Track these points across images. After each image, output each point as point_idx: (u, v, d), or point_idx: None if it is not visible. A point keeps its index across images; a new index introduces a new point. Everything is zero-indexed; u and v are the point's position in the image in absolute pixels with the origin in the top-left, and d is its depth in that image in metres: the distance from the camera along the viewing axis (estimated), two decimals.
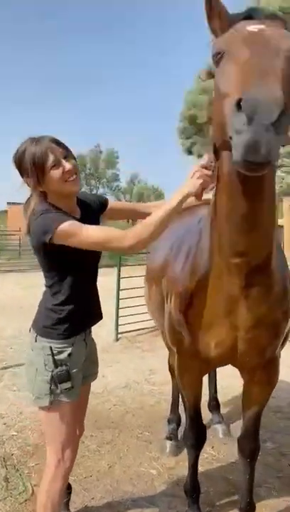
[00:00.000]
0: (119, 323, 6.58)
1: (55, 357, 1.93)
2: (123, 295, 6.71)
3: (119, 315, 6.58)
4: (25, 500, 2.66)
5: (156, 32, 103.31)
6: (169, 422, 3.48)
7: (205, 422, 3.61)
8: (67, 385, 1.95)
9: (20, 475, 2.92)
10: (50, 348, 1.93)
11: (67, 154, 1.89)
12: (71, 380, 1.96)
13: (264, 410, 4.07)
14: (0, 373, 4.97)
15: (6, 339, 6.35)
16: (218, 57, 1.54)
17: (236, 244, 1.71)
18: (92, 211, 2.10)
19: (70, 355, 1.96)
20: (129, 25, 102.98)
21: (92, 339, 2.22)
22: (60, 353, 1.95)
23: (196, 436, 2.46)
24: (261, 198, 1.61)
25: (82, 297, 2.02)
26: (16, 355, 5.44)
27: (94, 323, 2.17)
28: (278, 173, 20.47)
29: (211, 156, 1.76)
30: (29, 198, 1.95)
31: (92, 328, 2.19)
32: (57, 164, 1.83)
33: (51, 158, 1.82)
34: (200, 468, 3.06)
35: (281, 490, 2.88)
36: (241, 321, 1.92)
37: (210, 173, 1.78)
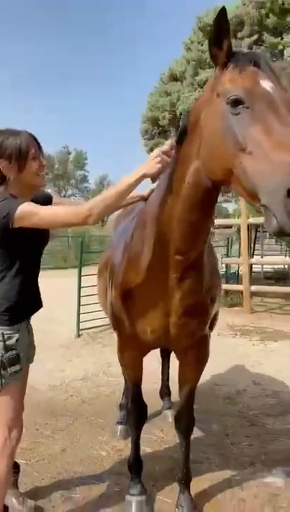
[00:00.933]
0: (81, 320, 6.72)
1: (6, 342, 2.07)
2: (84, 293, 6.85)
3: (81, 312, 6.72)
4: None
5: (126, 33, 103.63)
6: (120, 407, 3.67)
7: (157, 408, 3.88)
8: (16, 368, 2.09)
9: None
10: (2, 334, 2.07)
11: (41, 152, 2.12)
12: (20, 363, 2.11)
13: (213, 396, 4.37)
14: None
15: None
16: (236, 106, 1.59)
17: (182, 245, 1.97)
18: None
19: (17, 340, 2.11)
20: (101, 25, 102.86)
21: (31, 326, 2.35)
22: (9, 338, 2.08)
23: (137, 413, 2.66)
24: (211, 212, 1.95)
25: (26, 285, 2.17)
26: None
27: (36, 310, 2.31)
28: None
29: (173, 145, 1.96)
30: None
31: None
32: (35, 157, 2.05)
33: (32, 150, 2.04)
34: (149, 449, 3.30)
35: (221, 465, 3.12)
36: (174, 309, 2.17)
37: (169, 159, 1.91)
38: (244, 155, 1.52)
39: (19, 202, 1.95)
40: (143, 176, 1.90)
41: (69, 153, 55.76)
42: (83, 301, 6.79)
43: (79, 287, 6.86)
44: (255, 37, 16.55)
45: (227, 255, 10.84)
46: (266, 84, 1.58)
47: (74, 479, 2.88)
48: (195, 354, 2.47)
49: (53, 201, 2.37)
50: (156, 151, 1.94)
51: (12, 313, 2.11)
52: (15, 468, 2.51)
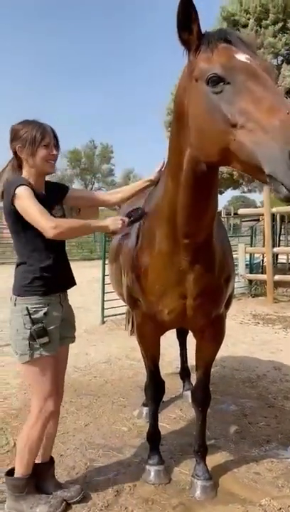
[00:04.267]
0: (105, 307, 6.90)
1: (32, 316, 2.21)
2: (109, 281, 7.01)
3: (105, 299, 6.90)
4: (7, 452, 3.00)
5: (149, 24, 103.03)
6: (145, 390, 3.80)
7: (177, 388, 4.01)
8: (45, 339, 2.23)
9: (3, 432, 3.25)
10: (27, 308, 2.22)
11: (56, 145, 2.35)
12: (48, 335, 2.24)
13: (234, 380, 4.46)
14: None
15: None
16: (216, 84, 1.61)
17: (188, 228, 2.08)
18: (54, 197, 2.40)
19: (45, 313, 2.25)
20: (129, 19, 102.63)
21: (70, 306, 2.49)
22: (36, 312, 2.22)
23: (155, 389, 2.80)
24: (211, 195, 2.03)
25: (52, 260, 2.29)
26: (5, 336, 5.74)
27: (67, 286, 2.43)
28: None
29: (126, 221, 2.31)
30: (5, 168, 2.34)
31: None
32: (47, 146, 2.28)
33: (47, 139, 2.28)
34: (168, 426, 3.44)
35: (238, 442, 3.22)
36: (189, 291, 2.28)
37: (126, 224, 2.33)
38: (237, 130, 1.53)
39: (22, 181, 2.19)
40: (106, 228, 2.32)
41: (95, 147, 56.14)
42: (107, 289, 6.96)
43: (104, 276, 7.03)
44: (280, 25, 16.27)
45: (251, 245, 10.79)
46: (242, 56, 1.61)
47: (96, 450, 3.05)
48: (212, 332, 2.57)
49: (69, 192, 2.49)
50: (120, 218, 2.32)
51: (38, 284, 2.24)
52: (51, 460, 2.55)
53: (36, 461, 2.40)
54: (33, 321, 2.22)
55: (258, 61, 1.64)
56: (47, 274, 2.26)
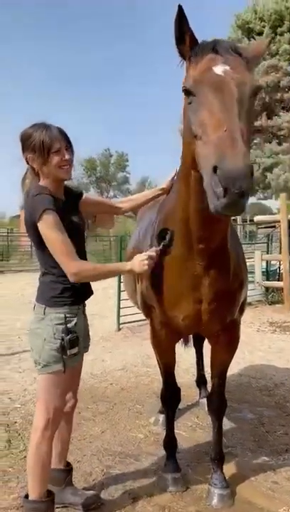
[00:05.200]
0: (121, 314, 6.93)
1: (67, 325, 2.15)
2: (124, 288, 7.06)
3: (121, 306, 6.93)
4: (25, 457, 3.01)
5: (164, 33, 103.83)
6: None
7: (194, 396, 4.00)
8: (75, 350, 2.18)
9: (21, 438, 3.28)
10: (65, 316, 2.16)
11: (68, 146, 2.22)
12: (78, 346, 2.21)
13: (251, 389, 4.43)
14: (8, 358, 5.39)
15: (15, 330, 6.76)
16: (189, 96, 1.72)
17: (201, 233, 2.11)
18: (73, 201, 2.39)
19: (75, 324, 2.21)
20: (145, 26, 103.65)
21: (86, 315, 2.46)
22: (69, 321, 2.17)
23: (170, 396, 2.80)
24: None
25: None
26: (23, 343, 5.83)
27: (89, 296, 2.41)
28: (275, 170, 20.72)
29: (158, 250, 2.24)
30: (25, 176, 2.26)
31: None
32: (59, 152, 2.15)
33: (57, 145, 2.14)
34: (185, 434, 3.43)
35: (255, 451, 3.19)
36: (204, 295, 2.30)
37: (154, 260, 2.23)
38: (197, 141, 1.64)
39: (47, 206, 2.07)
40: (129, 271, 2.27)
41: (110, 156, 56.69)
42: (123, 296, 6.99)
43: (119, 282, 7.06)
44: None
45: (268, 252, 10.71)
46: (218, 69, 1.65)
47: (113, 457, 3.06)
48: (227, 338, 2.57)
49: (83, 199, 2.47)
50: (144, 255, 2.20)
51: (68, 294, 2.20)
52: (68, 466, 2.55)
53: (52, 467, 2.40)
54: (68, 331, 2.16)
55: (233, 73, 1.65)
56: (76, 284, 2.21)
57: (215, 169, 1.46)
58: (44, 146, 2.12)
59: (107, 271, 2.26)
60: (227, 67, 1.67)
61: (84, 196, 2.50)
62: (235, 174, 1.41)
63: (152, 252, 2.25)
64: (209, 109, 1.60)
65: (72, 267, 2.10)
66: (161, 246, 2.28)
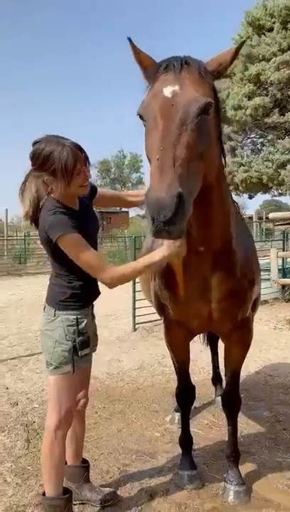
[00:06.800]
0: (136, 314, 6.97)
1: (79, 326, 2.18)
2: (139, 288, 7.08)
3: (136, 307, 6.97)
4: None
5: (173, 30, 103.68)
6: None
7: (210, 394, 4.01)
8: (87, 351, 2.23)
9: (40, 437, 3.34)
10: (76, 318, 2.19)
11: (87, 161, 2.15)
12: (89, 347, 2.25)
13: (267, 386, 4.41)
14: (27, 359, 5.49)
15: (33, 332, 6.87)
16: (142, 119, 1.78)
17: (200, 236, 2.15)
18: (86, 203, 2.38)
19: (86, 324, 2.23)
20: (160, 28, 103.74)
21: (94, 315, 2.49)
22: (80, 323, 2.20)
23: (185, 394, 2.83)
24: (212, 204, 2.05)
25: (88, 275, 2.24)
26: (40, 345, 5.91)
27: (96, 297, 2.43)
28: (289, 167, 20.46)
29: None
30: (25, 182, 2.18)
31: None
32: (80, 172, 2.09)
33: (78, 165, 2.07)
34: (201, 432, 3.45)
35: (272, 448, 3.19)
36: (213, 295, 2.33)
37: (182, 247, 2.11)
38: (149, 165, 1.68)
39: (66, 224, 2.07)
40: (166, 259, 2.16)
41: (124, 157, 56.90)
42: (138, 296, 7.02)
43: (134, 283, 7.10)
44: None
45: (284, 249, 10.61)
46: (165, 91, 1.68)
47: (129, 455, 3.10)
48: (239, 336, 2.58)
49: (97, 194, 2.48)
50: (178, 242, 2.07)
51: (76, 299, 2.22)
52: (85, 463, 2.59)
53: (69, 463, 2.45)
54: (80, 332, 2.19)
55: (184, 94, 1.66)
56: (85, 289, 2.24)
57: (147, 197, 1.53)
58: (67, 170, 2.03)
59: (138, 271, 2.21)
60: (176, 87, 1.68)
61: (98, 193, 2.49)
62: (157, 204, 1.48)
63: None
64: (151, 135, 1.67)
65: (105, 278, 2.12)
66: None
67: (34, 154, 2.08)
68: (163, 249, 2.10)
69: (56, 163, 2.02)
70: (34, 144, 2.11)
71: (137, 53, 1.87)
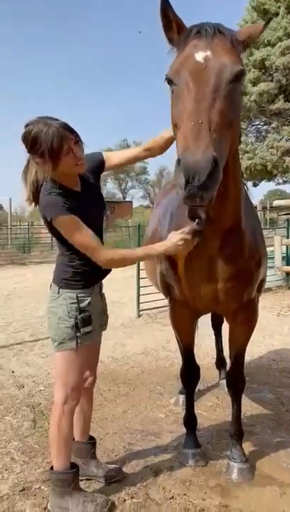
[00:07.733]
0: (141, 301, 7.00)
1: (80, 304, 2.22)
2: (144, 275, 7.11)
3: (141, 293, 7.00)
4: None
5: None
6: None
7: (214, 378, 4.05)
8: (89, 328, 2.26)
9: (46, 417, 3.40)
10: (77, 296, 2.22)
11: (77, 140, 2.10)
12: (92, 324, 2.28)
13: (271, 370, 4.44)
14: (32, 344, 5.56)
15: (37, 318, 6.93)
16: (171, 85, 1.74)
17: (212, 212, 2.10)
18: (91, 183, 2.34)
19: (89, 303, 2.26)
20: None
21: (104, 294, 2.52)
22: (82, 301, 2.24)
23: (190, 374, 2.85)
24: (227, 179, 1.95)
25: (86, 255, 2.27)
26: (45, 330, 5.96)
27: (103, 277, 2.43)
28: None
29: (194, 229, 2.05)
30: (27, 165, 2.19)
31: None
32: (69, 151, 2.04)
33: (65, 146, 2.02)
34: (205, 413, 3.48)
35: (275, 428, 3.23)
36: (220, 275, 2.33)
37: (190, 237, 2.08)
38: (176, 130, 1.67)
39: (61, 204, 2.08)
40: (165, 252, 2.20)
41: (128, 146, 56.55)
42: (143, 283, 7.06)
43: (138, 271, 7.13)
44: None
45: (288, 237, 10.57)
46: (197, 56, 1.65)
47: (134, 435, 3.14)
48: (244, 317, 2.59)
49: (106, 165, 2.43)
50: (180, 236, 2.09)
51: (78, 278, 2.25)
52: (91, 439, 2.64)
53: (76, 439, 2.49)
54: (81, 310, 2.23)
55: (217, 59, 1.65)
56: (88, 268, 2.25)
57: (178, 161, 1.52)
58: (53, 149, 1.99)
59: (136, 257, 2.32)
60: (208, 53, 1.67)
61: (106, 163, 2.43)
62: (193, 167, 1.47)
63: (186, 233, 2.10)
64: (183, 100, 1.63)
65: (100, 258, 2.16)
66: (195, 224, 2.05)
67: (24, 137, 2.06)
68: (167, 243, 2.15)
69: (43, 144, 2.00)
70: (25, 126, 2.09)
71: (171, 11, 1.80)
